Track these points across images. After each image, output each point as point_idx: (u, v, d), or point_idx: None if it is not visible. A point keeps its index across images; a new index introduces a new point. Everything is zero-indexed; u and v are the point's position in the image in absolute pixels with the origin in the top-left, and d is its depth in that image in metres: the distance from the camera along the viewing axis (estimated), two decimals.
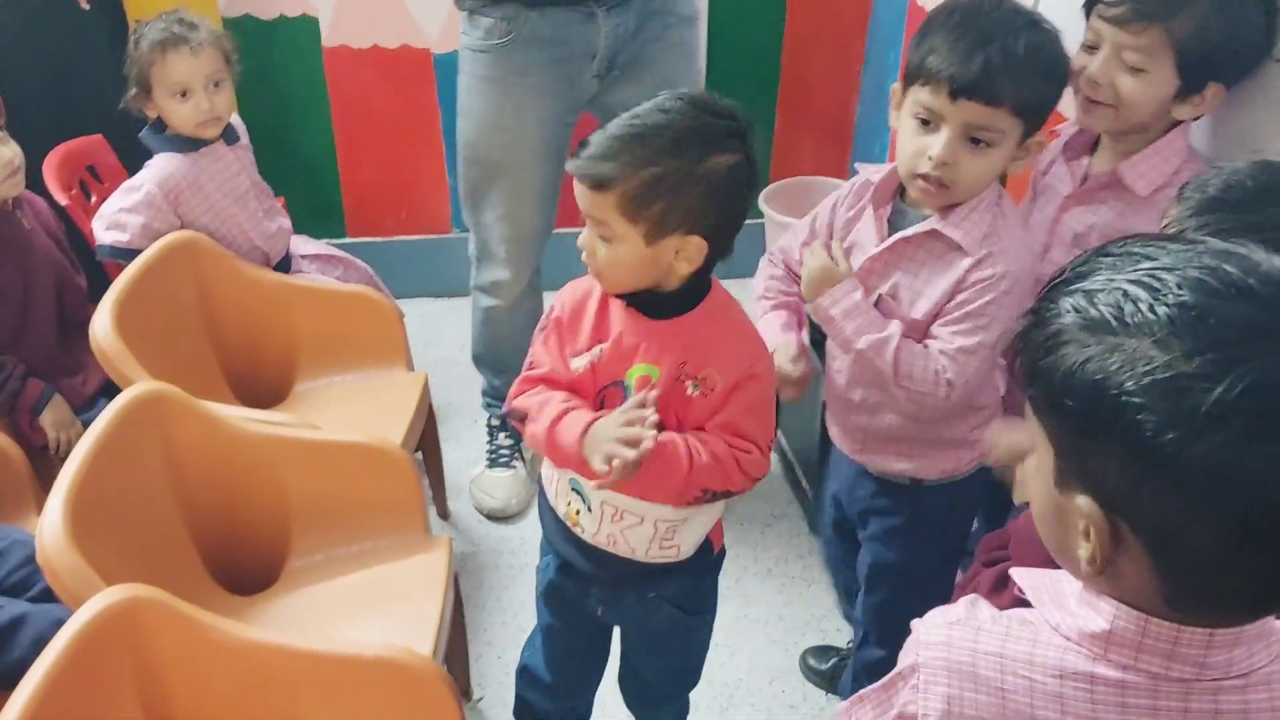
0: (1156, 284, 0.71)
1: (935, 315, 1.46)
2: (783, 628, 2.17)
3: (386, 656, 1.37)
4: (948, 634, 0.86)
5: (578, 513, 1.44)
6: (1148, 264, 0.73)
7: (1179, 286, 0.70)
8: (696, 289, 1.34)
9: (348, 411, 2.08)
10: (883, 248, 1.48)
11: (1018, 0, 1.42)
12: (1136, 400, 0.68)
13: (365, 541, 1.78)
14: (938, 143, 1.37)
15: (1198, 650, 0.76)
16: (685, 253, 1.27)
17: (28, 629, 1.41)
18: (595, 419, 1.33)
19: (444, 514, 2.41)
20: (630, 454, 1.25)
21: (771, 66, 2.98)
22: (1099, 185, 1.55)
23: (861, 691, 0.95)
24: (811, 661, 2.10)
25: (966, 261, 1.42)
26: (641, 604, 1.51)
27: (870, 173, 1.56)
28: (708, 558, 1.49)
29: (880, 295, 1.50)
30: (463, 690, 2.00)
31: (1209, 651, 0.76)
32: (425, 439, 2.24)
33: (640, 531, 1.41)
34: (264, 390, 2.15)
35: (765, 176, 3.05)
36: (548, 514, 1.51)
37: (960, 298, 1.43)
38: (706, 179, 1.23)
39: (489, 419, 2.56)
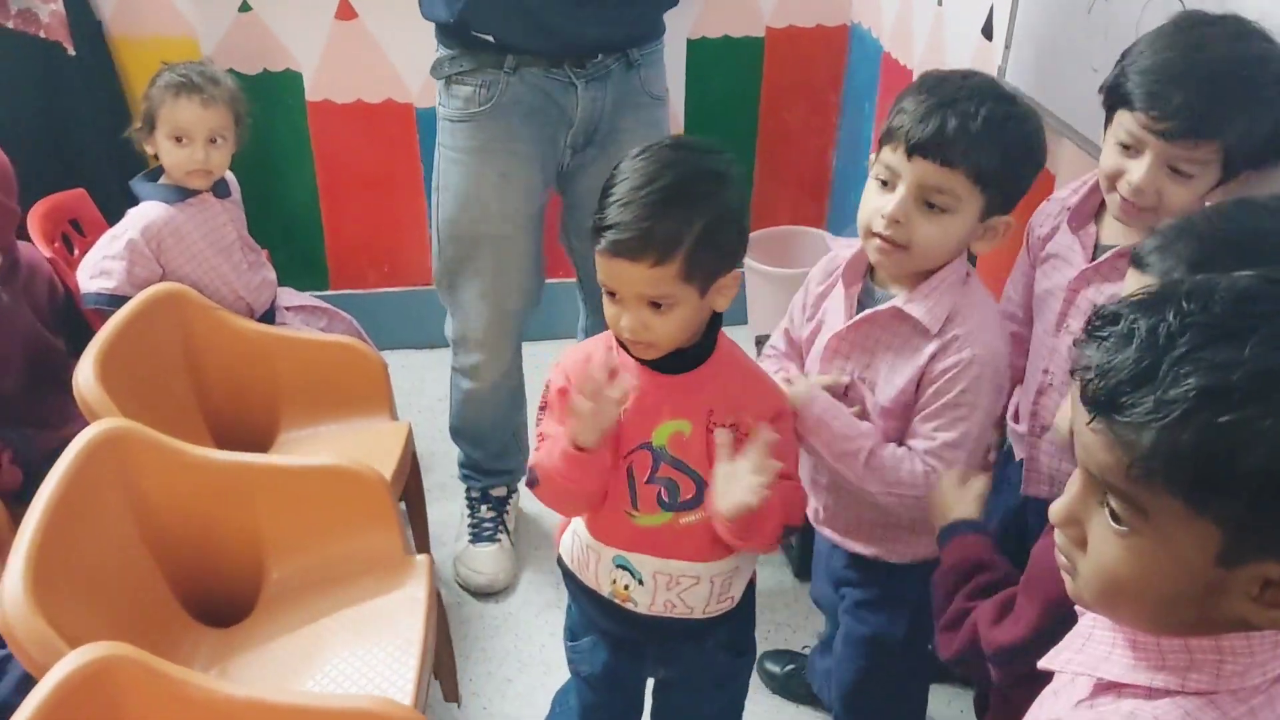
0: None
1: (905, 403, 1.44)
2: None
3: (367, 709, 1.36)
4: None
5: (626, 588, 1.43)
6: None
7: None
8: (710, 339, 1.35)
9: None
10: (847, 326, 1.47)
11: (997, 80, 1.43)
12: None
13: (342, 565, 1.77)
14: (891, 201, 1.37)
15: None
16: (727, 290, 1.29)
17: (14, 670, 1.40)
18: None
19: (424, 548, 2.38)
20: (753, 501, 1.25)
21: (749, 117, 3.02)
22: (1120, 256, 1.47)
23: None
24: (769, 666, 2.13)
25: (931, 346, 1.40)
26: (700, 655, 1.51)
27: (841, 247, 1.55)
28: (750, 596, 1.51)
29: (851, 381, 1.49)
30: (451, 696, 2.01)
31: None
32: (409, 489, 2.23)
33: (698, 591, 1.41)
34: (249, 440, 2.14)
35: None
36: (583, 598, 1.49)
37: (933, 389, 1.41)
38: (735, 214, 1.27)
39: (468, 490, 2.51)
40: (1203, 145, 1.29)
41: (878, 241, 1.40)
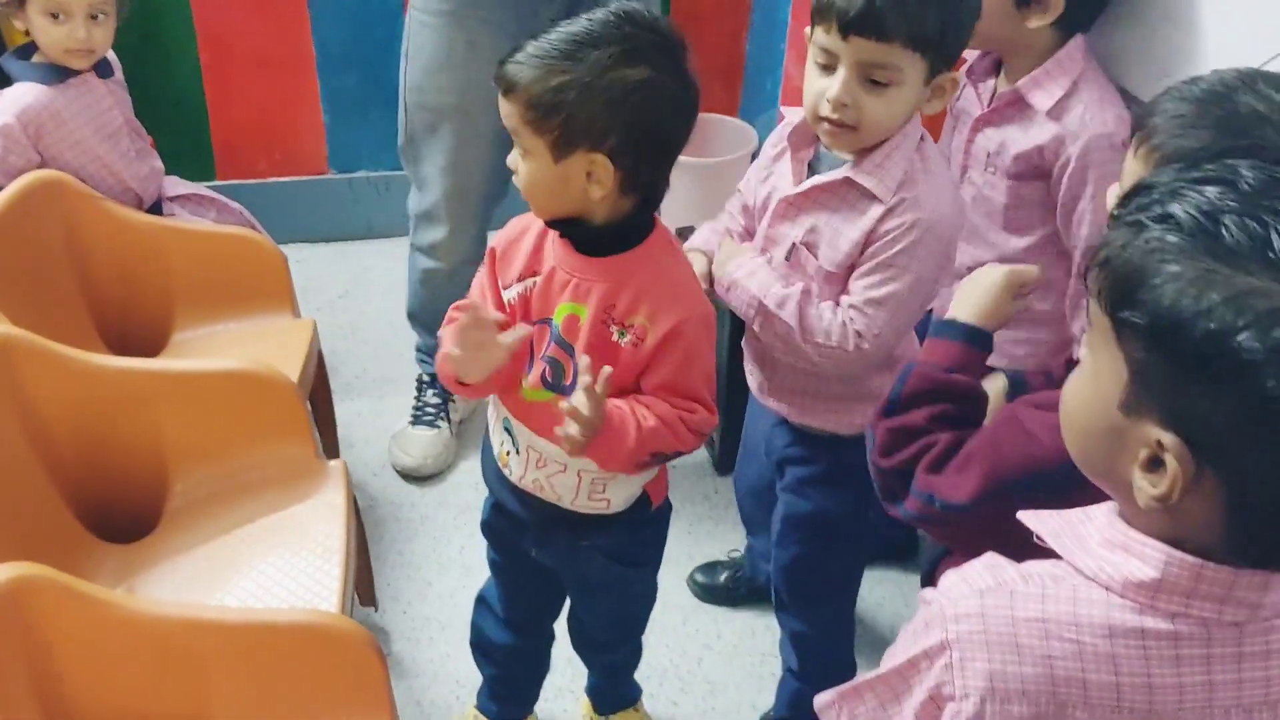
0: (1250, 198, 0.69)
1: (849, 267, 1.42)
2: (693, 566, 2.15)
3: (303, 623, 1.30)
4: (980, 604, 0.80)
5: (508, 454, 1.40)
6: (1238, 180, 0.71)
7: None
8: (635, 228, 1.29)
9: None
10: (796, 192, 1.44)
11: None
12: (1259, 358, 0.66)
13: (252, 473, 1.68)
14: (834, 84, 1.33)
15: (1255, 593, 0.74)
16: (595, 175, 1.21)
17: None
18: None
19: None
20: (574, 431, 1.22)
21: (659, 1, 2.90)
22: (1004, 104, 1.63)
23: (855, 682, 0.89)
24: (700, 579, 2.11)
25: (878, 210, 1.38)
26: (573, 551, 1.46)
27: (794, 115, 1.51)
28: (645, 511, 1.45)
29: (794, 245, 1.45)
30: (367, 600, 1.98)
31: (1265, 593, 0.74)
32: (316, 391, 2.13)
33: (565, 480, 1.37)
34: (140, 342, 2.01)
35: None
36: (488, 451, 1.47)
37: (872, 249, 1.39)
38: (608, 90, 1.18)
39: (420, 374, 2.43)
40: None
41: (826, 125, 1.37)
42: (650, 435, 1.26)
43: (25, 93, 1.90)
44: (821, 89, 1.35)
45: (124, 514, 1.65)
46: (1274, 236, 0.68)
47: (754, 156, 2.85)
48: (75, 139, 1.94)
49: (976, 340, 1.19)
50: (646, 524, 1.48)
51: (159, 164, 2.15)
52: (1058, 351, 1.69)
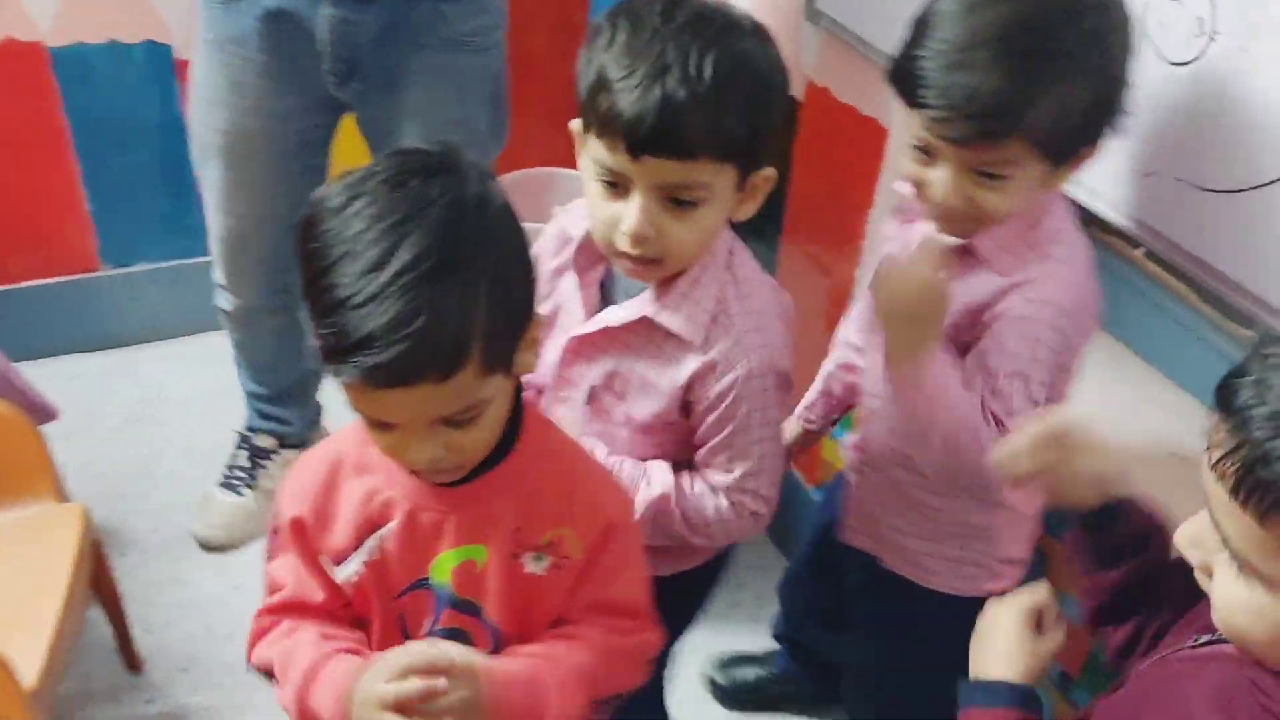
0: None
1: (668, 422, 1.20)
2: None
3: None
4: None
5: None
6: None
7: None
8: (511, 419, 1.00)
9: None
10: (587, 332, 1.19)
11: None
12: None
13: None
14: (630, 212, 1.06)
15: None
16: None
17: None
18: (360, 674, 0.95)
19: (134, 665, 1.85)
20: None
21: None
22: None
23: None
24: (734, 676, 1.86)
25: (693, 360, 1.15)
26: None
27: (570, 219, 1.24)
28: None
29: (593, 389, 1.22)
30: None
31: None
32: (99, 586, 1.72)
33: None
34: None
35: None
36: None
37: (714, 416, 1.17)
38: None
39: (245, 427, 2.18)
40: (1003, 143, 1.06)
41: (627, 262, 1.12)
42: (583, 688, 1.02)
43: None
44: (613, 217, 1.08)
45: None
46: None
47: None
48: None
49: (1023, 702, 0.89)
50: None
51: None
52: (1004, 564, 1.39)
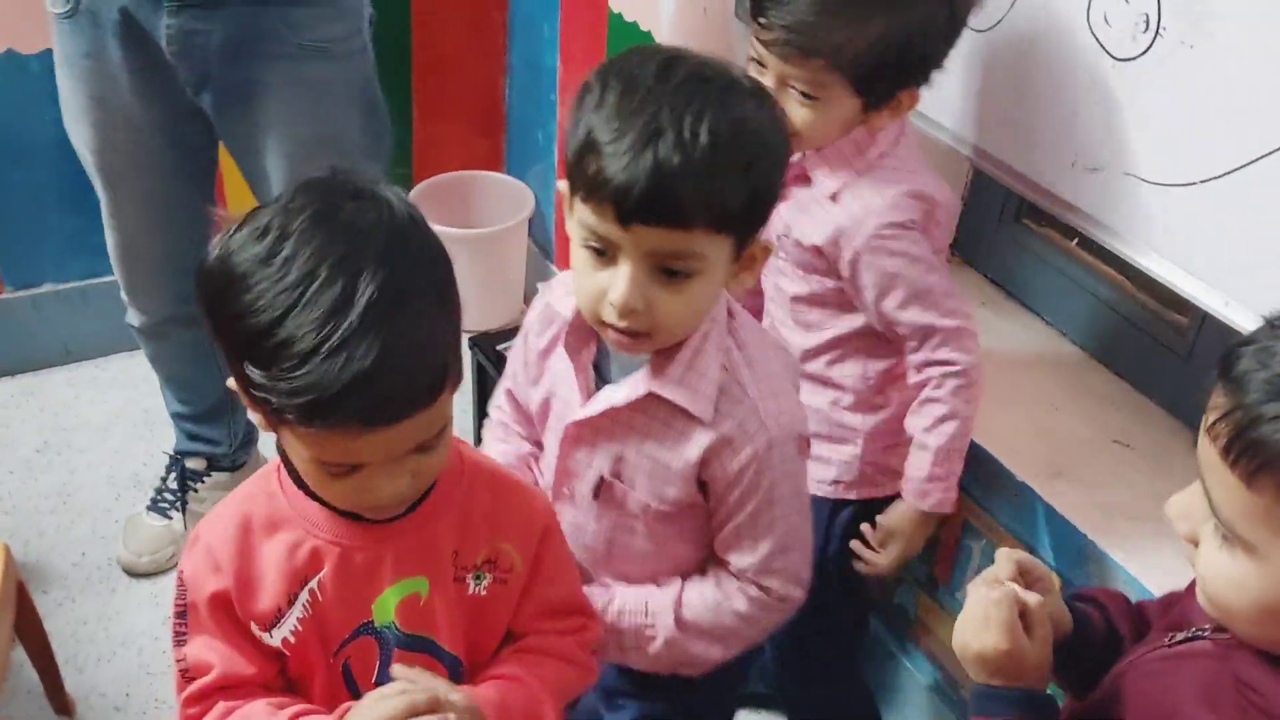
0: None
1: (687, 505, 1.14)
2: None
3: None
4: None
5: None
6: None
7: None
8: None
9: None
10: (588, 415, 1.12)
11: (703, 57, 1.02)
12: None
13: None
14: (618, 283, 1.00)
15: None
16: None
17: None
18: None
19: (64, 709, 1.77)
20: None
21: (400, 43, 2.45)
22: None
23: None
24: None
25: (703, 435, 1.08)
26: None
27: (554, 295, 1.17)
28: None
29: (602, 480, 1.15)
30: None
31: None
32: (23, 624, 1.63)
33: None
34: None
35: (408, 178, 2.56)
36: None
37: (734, 495, 1.11)
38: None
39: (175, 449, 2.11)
40: (810, 62, 1.21)
41: (614, 335, 1.04)
42: (555, 696, 1.04)
43: None
44: (600, 288, 1.01)
45: None
46: None
47: (531, 221, 2.53)
48: None
49: (1027, 704, 0.87)
50: None
51: None
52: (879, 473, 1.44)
